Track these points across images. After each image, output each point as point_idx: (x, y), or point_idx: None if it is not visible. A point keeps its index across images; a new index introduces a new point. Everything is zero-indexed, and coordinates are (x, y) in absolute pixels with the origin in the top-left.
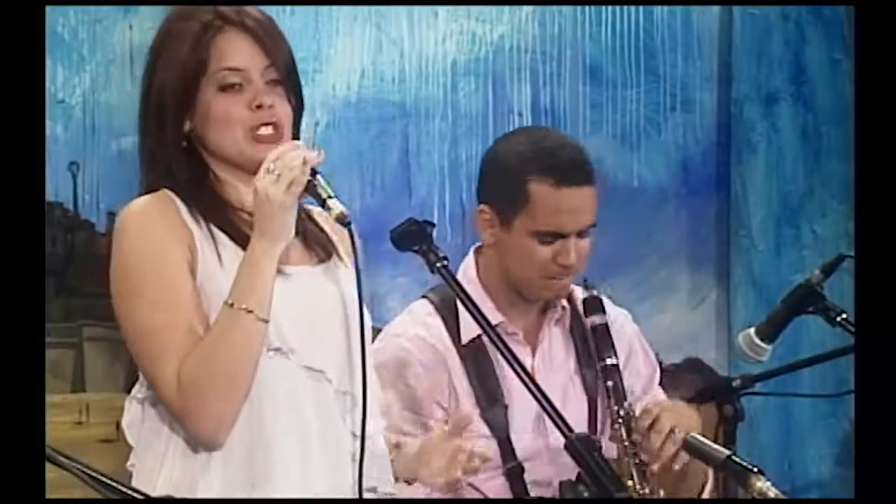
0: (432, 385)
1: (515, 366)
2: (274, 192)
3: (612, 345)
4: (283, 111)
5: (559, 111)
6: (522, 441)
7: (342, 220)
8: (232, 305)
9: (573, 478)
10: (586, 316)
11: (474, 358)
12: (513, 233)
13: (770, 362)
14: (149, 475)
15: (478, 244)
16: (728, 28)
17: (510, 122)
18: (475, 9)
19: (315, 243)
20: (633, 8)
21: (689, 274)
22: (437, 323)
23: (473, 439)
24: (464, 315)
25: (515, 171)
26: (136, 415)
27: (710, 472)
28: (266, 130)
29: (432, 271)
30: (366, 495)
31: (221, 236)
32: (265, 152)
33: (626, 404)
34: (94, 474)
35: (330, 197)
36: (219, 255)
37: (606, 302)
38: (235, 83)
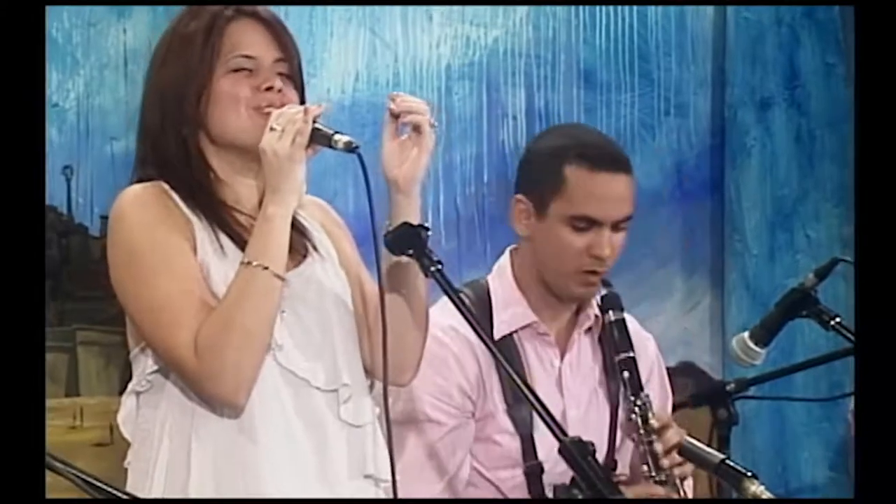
0: (465, 378)
1: (508, 368)
2: (280, 147)
3: (630, 340)
4: (292, 100)
5: (553, 115)
6: (545, 441)
7: (350, 147)
8: (249, 264)
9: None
10: (604, 312)
11: (505, 354)
12: (547, 221)
13: (764, 366)
14: (144, 470)
15: (513, 246)
16: (722, 32)
17: (504, 126)
18: (469, 12)
19: (294, 244)
20: (626, 11)
21: (683, 278)
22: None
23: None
24: (497, 311)
25: (552, 157)
26: (131, 409)
27: None
28: (272, 110)
29: (426, 275)
30: (365, 483)
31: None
32: None
33: (642, 394)
34: (89, 479)
35: (335, 133)
36: (220, 245)
37: (635, 323)
38: (246, 68)
